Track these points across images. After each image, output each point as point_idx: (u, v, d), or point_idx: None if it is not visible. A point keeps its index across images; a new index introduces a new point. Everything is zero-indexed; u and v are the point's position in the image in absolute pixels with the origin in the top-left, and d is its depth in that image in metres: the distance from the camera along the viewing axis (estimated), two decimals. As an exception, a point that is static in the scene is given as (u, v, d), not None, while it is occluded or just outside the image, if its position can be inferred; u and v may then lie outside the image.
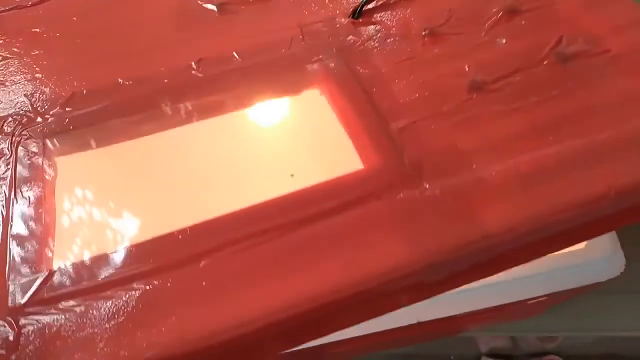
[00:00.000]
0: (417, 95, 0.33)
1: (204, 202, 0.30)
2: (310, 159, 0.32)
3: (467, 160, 0.29)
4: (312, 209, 0.28)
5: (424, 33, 0.36)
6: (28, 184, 0.31)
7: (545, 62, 0.33)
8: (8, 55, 0.39)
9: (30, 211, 0.30)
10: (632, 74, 0.32)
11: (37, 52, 0.38)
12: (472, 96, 0.32)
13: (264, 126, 0.34)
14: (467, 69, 0.34)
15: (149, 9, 0.41)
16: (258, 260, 0.26)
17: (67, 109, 0.35)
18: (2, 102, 0.36)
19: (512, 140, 0.30)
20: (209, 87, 0.35)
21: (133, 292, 0.26)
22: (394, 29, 0.37)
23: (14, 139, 0.33)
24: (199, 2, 0.41)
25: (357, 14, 0.38)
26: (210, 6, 0.40)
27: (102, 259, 0.27)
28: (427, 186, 0.28)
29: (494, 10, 0.37)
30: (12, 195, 0.31)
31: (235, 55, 0.37)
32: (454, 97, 0.32)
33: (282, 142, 0.33)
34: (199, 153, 0.33)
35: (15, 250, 0.28)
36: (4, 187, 0.31)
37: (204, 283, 0.26)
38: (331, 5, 0.39)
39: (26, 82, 0.37)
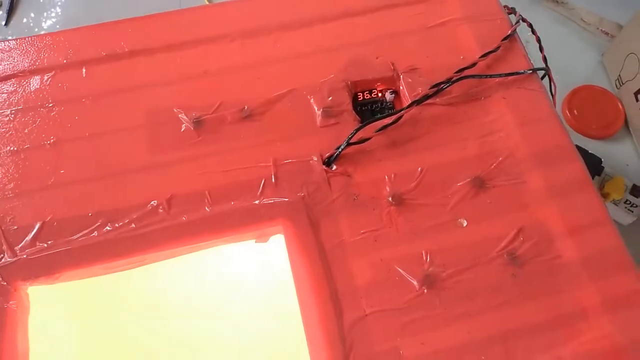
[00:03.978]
0: (373, 278, 0.35)
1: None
2: (267, 346, 0.34)
3: (405, 374, 0.32)
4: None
5: (390, 199, 0.37)
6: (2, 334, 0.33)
7: (497, 261, 0.35)
8: (-24, 164, 0.38)
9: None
10: (572, 288, 0.35)
11: (6, 168, 0.38)
12: (424, 291, 0.35)
13: (224, 304, 0.36)
14: (424, 256, 0.35)
15: (122, 116, 0.40)
16: None
17: (37, 243, 0.36)
18: (-29, 223, 0.36)
19: (449, 356, 0.33)
20: (175, 237, 0.36)
21: None
22: (363, 186, 0.38)
23: (-15, 280, 0.35)
24: (175, 110, 0.40)
25: (331, 163, 0.38)
26: (185, 118, 0.40)
27: None
28: (365, 401, 0.32)
29: (463, 181, 0.38)
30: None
31: (207, 196, 0.37)
32: (406, 288, 0.35)
33: (242, 323, 0.35)
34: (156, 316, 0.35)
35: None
36: (-23, 338, 0.33)
37: None
38: (307, 141, 0.39)
39: (-4, 199, 0.37)
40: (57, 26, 0.86)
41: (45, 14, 0.88)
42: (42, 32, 0.85)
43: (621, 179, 0.61)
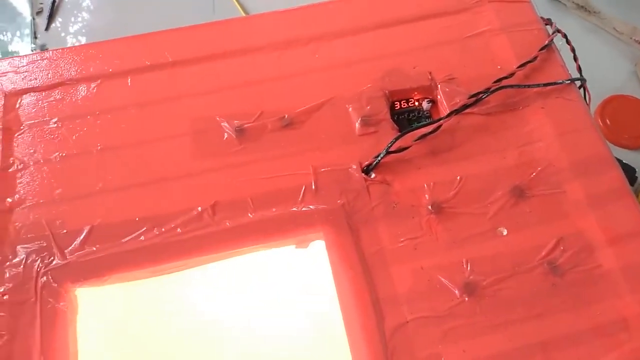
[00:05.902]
0: (414, 286, 0.35)
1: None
2: (309, 351, 0.35)
3: (447, 381, 0.33)
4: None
5: (430, 208, 0.37)
6: (52, 331, 0.35)
7: (537, 271, 0.36)
8: (28, 169, 0.40)
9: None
10: (612, 298, 0.35)
11: (55, 173, 0.39)
12: (464, 299, 0.35)
13: (267, 307, 0.37)
14: (464, 264, 0.36)
15: (167, 124, 0.41)
16: None
17: (86, 247, 0.37)
18: (23, 226, 0.38)
19: (490, 363, 0.33)
20: (219, 242, 0.37)
21: None
22: (402, 195, 0.38)
23: (38, 282, 0.36)
24: (217, 118, 0.41)
25: (370, 171, 0.39)
26: (228, 126, 0.41)
27: None
28: (408, 407, 0.32)
29: (502, 190, 0.38)
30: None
31: (250, 202, 0.38)
32: (447, 296, 0.35)
33: (284, 326, 0.36)
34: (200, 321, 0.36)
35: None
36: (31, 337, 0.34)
37: None
38: (346, 150, 0.40)
39: (46, 203, 0.38)
40: (84, 30, 0.89)
41: (72, 18, 0.90)
42: (69, 36, 0.87)
43: (654, 189, 0.61)
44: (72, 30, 0.89)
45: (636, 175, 0.61)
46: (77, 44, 0.85)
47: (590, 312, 0.34)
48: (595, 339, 0.34)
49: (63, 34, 0.88)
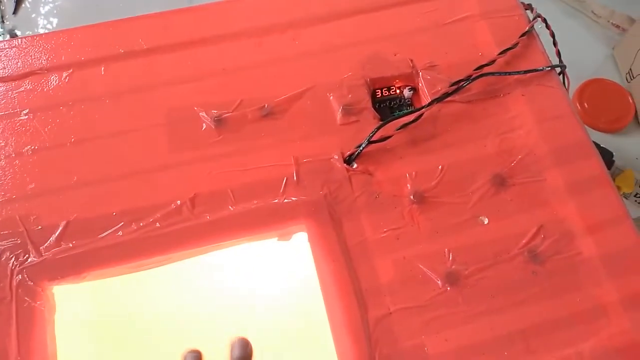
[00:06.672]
0: (397, 276, 0.35)
1: None
2: (293, 344, 0.35)
3: (430, 370, 0.33)
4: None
5: (412, 197, 0.37)
6: (29, 331, 0.34)
7: (518, 259, 0.36)
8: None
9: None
10: (591, 285, 0.35)
11: (27, 167, 0.38)
12: (446, 288, 0.35)
13: (250, 295, 0.37)
14: (446, 254, 0.36)
15: (143, 114, 0.40)
16: None
17: (62, 243, 0.36)
18: (-5, 223, 0.37)
19: (472, 352, 0.33)
20: (199, 236, 0.36)
21: None
22: (384, 184, 0.38)
23: (13, 280, 0.35)
24: (195, 108, 0.40)
25: (352, 161, 0.38)
26: (206, 116, 0.40)
27: None
28: (392, 397, 0.32)
29: (483, 179, 0.38)
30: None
31: (230, 194, 0.37)
32: (429, 286, 0.35)
33: (268, 320, 0.35)
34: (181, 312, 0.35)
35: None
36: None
37: None
38: (328, 139, 0.39)
39: (20, 198, 0.37)
40: (55, 11, 0.85)
41: (42, 0, 0.86)
42: (40, 18, 0.84)
43: (631, 173, 0.62)
44: (43, 12, 0.85)
45: (613, 159, 0.62)
46: (48, 27, 0.82)
47: (570, 299, 0.35)
48: (575, 325, 0.34)
49: (34, 15, 0.85)
